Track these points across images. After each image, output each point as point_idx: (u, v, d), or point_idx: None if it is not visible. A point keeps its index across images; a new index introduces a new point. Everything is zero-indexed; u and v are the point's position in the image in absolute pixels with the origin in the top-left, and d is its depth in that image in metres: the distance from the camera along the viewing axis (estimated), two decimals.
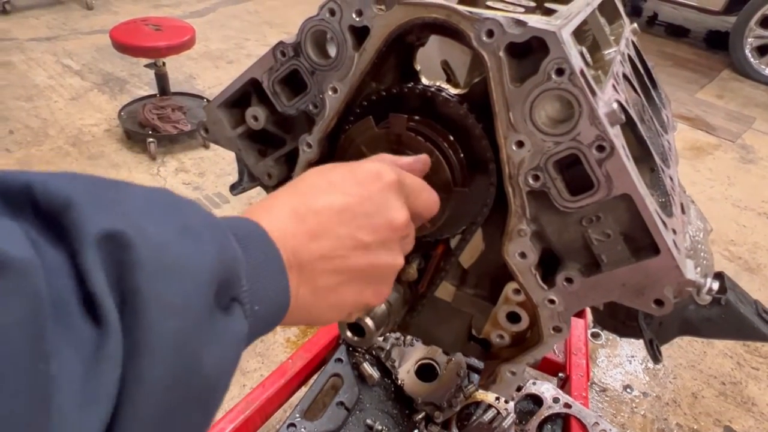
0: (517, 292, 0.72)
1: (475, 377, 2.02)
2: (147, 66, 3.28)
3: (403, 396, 1.86)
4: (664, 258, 0.60)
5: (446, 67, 0.77)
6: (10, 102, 3.65)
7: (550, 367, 1.90)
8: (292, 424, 1.73)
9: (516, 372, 0.76)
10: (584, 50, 0.74)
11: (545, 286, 0.68)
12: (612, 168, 0.59)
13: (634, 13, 6.40)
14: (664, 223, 0.62)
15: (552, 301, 0.68)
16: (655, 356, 0.87)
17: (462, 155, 0.65)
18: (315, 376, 1.91)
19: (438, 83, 0.68)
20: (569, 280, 0.67)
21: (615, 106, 0.59)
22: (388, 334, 1.91)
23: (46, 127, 3.44)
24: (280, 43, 0.70)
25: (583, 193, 0.61)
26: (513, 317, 0.75)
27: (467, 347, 0.82)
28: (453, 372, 1.88)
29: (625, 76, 0.85)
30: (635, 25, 1.11)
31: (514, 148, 0.62)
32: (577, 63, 0.57)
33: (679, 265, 0.60)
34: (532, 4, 0.72)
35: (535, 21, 0.57)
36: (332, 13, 0.65)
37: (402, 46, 0.67)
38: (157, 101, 3.34)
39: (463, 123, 0.64)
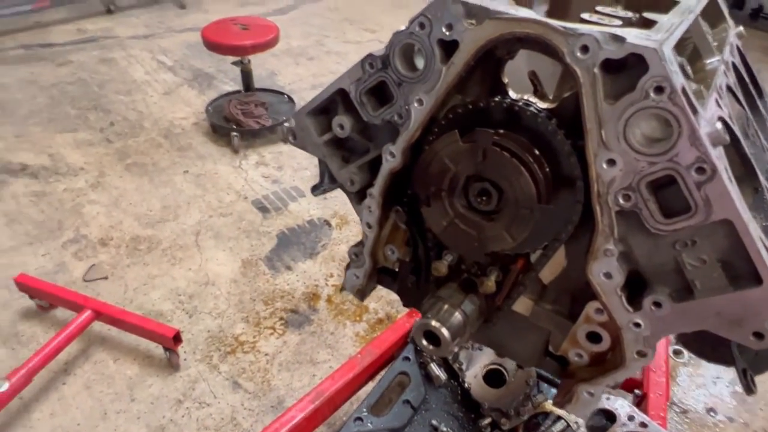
0: (599, 311, 0.70)
1: (545, 387, 1.97)
2: (233, 63, 3.43)
3: (470, 400, 1.85)
4: (766, 289, 0.56)
5: (533, 77, 0.76)
6: (111, 95, 3.96)
7: (625, 383, 1.82)
8: (359, 418, 1.77)
9: (594, 393, 0.74)
10: (684, 62, 0.71)
11: (631, 309, 0.66)
12: (712, 192, 0.55)
13: (736, 5, 5.90)
14: None
15: (637, 325, 0.66)
16: (749, 387, 0.82)
17: (548, 171, 0.64)
18: (382, 373, 1.94)
19: (526, 96, 0.67)
20: (658, 305, 0.64)
21: (719, 126, 0.55)
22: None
23: (142, 120, 3.70)
24: (369, 55, 0.72)
25: (677, 215, 0.59)
26: (593, 337, 0.73)
27: (543, 363, 0.81)
28: (522, 380, 1.84)
29: (728, 88, 0.79)
30: (741, 28, 1.03)
31: (604, 166, 0.60)
32: (678, 81, 0.54)
33: None
34: (630, 14, 0.69)
35: (634, 36, 0.55)
36: (422, 26, 0.66)
37: (490, 60, 0.67)
38: (242, 97, 3.50)
39: (551, 139, 0.63)
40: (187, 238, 2.75)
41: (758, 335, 0.59)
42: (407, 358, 1.97)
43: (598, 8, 0.69)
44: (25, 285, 2.27)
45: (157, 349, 2.15)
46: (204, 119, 3.63)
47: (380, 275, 0.92)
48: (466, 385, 1.90)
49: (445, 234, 0.72)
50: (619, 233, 0.63)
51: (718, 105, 0.67)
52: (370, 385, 1.85)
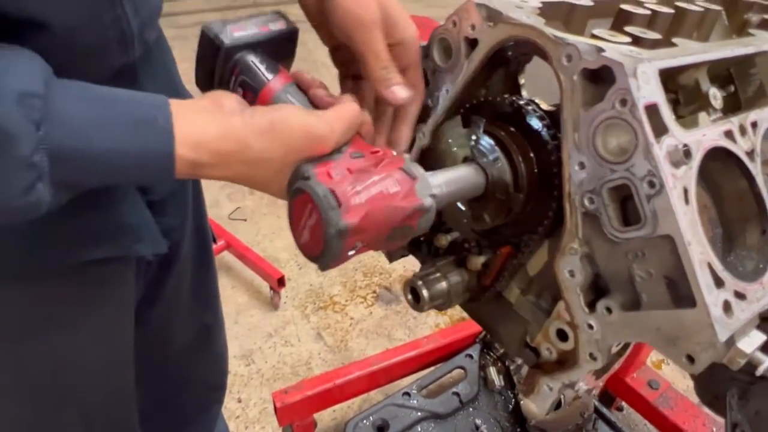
0: (567, 310, 0.74)
1: (605, 429, 1.89)
2: None
3: (519, 413, 1.86)
4: (699, 312, 0.57)
5: None
6: (321, 59, 4.53)
7: None
8: (407, 393, 1.88)
9: (552, 387, 0.78)
10: (715, 90, 0.71)
11: (587, 310, 0.69)
12: (659, 206, 0.58)
13: None
14: (719, 280, 0.59)
15: (591, 326, 0.69)
16: None
17: (533, 166, 0.70)
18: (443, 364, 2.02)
19: (535, 99, 0.74)
20: (609, 310, 0.67)
21: (680, 147, 0.58)
22: None
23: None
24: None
25: (633, 225, 0.62)
26: (561, 335, 0.76)
27: (523, 352, 0.86)
28: (576, 410, 1.80)
29: None
30: None
31: (576, 168, 0.65)
32: (646, 97, 0.58)
33: (713, 324, 0.57)
34: (657, 36, 0.71)
35: (614, 51, 0.60)
36: (454, 24, 0.76)
37: (509, 60, 0.75)
38: None
39: (540, 135, 0.69)
40: None
41: (690, 358, 0.60)
42: (470, 356, 2.03)
43: (626, 28, 0.73)
44: None
45: (266, 289, 2.49)
46: None
47: (411, 246, 1.04)
48: (519, 397, 1.90)
49: (444, 209, 0.82)
50: (584, 234, 0.67)
51: (731, 137, 0.67)
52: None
